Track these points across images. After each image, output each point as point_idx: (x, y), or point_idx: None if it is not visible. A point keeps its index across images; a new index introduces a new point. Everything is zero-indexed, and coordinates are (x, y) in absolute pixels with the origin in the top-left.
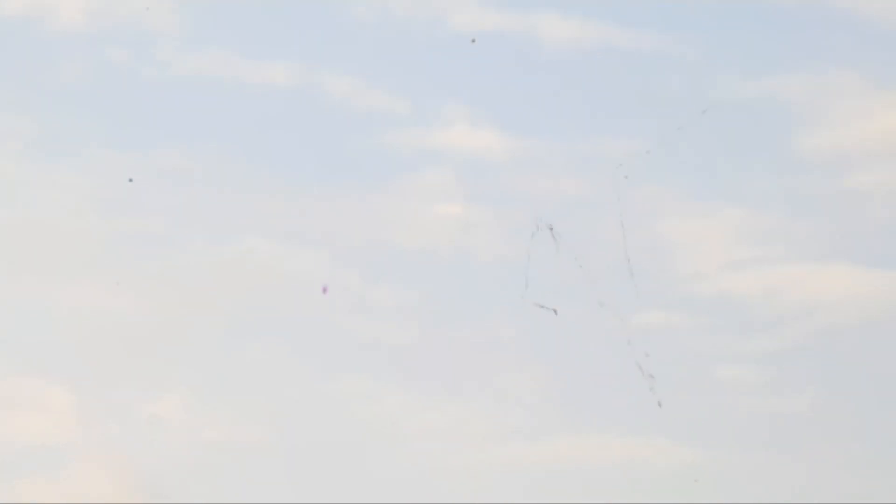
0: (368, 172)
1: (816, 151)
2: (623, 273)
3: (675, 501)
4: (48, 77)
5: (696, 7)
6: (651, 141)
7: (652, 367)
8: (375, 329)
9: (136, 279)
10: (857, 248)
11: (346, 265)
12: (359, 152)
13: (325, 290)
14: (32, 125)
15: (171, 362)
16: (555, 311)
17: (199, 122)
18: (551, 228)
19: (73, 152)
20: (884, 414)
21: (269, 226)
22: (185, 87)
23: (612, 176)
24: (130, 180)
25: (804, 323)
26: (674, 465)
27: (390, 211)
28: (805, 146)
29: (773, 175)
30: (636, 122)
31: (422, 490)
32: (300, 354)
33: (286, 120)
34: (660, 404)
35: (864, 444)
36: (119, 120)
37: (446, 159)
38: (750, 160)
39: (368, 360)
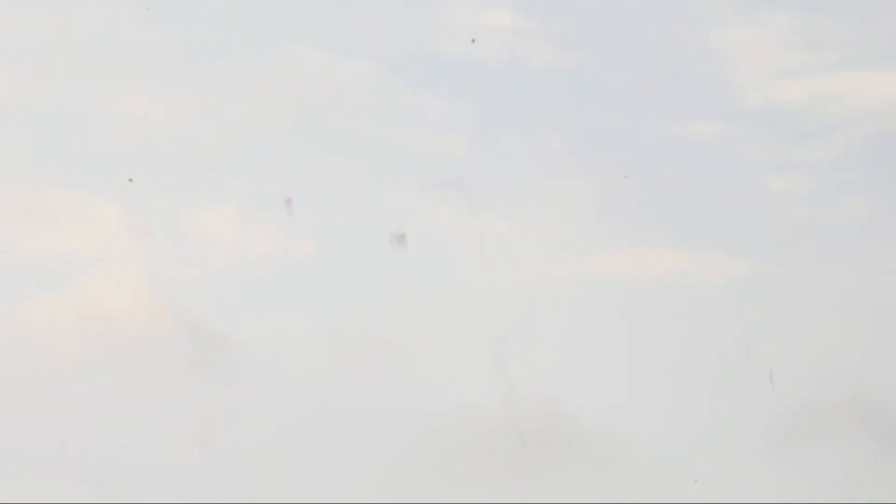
0: None
1: None
2: (673, 81)
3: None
4: None
5: None
6: None
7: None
8: (424, 140)
9: (182, 90)
10: None
11: (394, 74)
12: None
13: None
14: None
15: (219, 174)
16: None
17: None
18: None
19: None
20: None
21: (316, 34)
22: None
23: None
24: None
25: (856, 130)
26: (727, 277)
27: (438, 19)
28: None
29: None
30: None
31: (472, 309)
32: (349, 166)
33: None
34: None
35: None
36: None
37: None
38: None
39: (418, 171)
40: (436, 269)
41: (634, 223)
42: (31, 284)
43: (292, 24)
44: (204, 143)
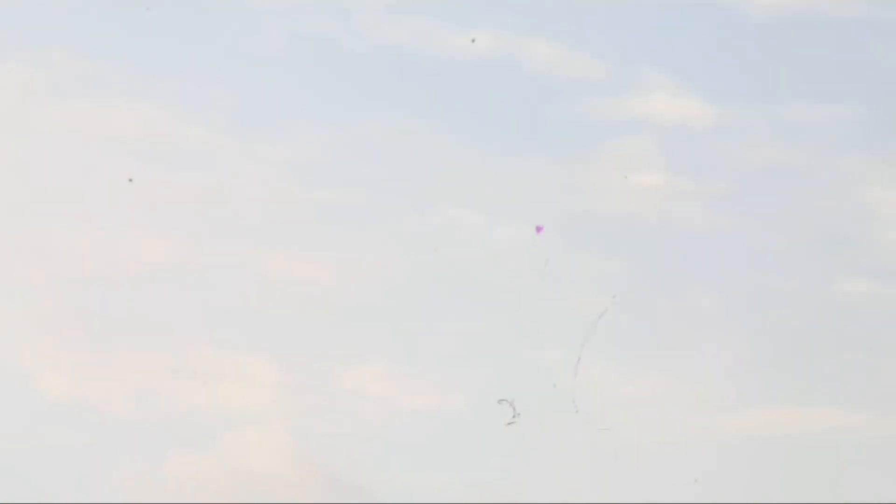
0: (569, 141)
1: None
2: (828, 242)
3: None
4: (248, 48)
5: None
6: (856, 108)
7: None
8: (577, 299)
9: (336, 250)
10: None
11: (547, 235)
12: (560, 121)
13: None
14: (232, 96)
15: (373, 333)
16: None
17: (400, 93)
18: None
19: (272, 124)
20: None
21: (470, 197)
22: (385, 58)
23: (817, 144)
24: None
25: None
26: (879, 437)
27: (592, 181)
28: None
29: None
30: (840, 89)
31: (620, 463)
32: (501, 325)
33: (487, 89)
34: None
35: None
36: (318, 91)
37: (648, 128)
38: None
39: (570, 330)
40: (582, 425)
41: (786, 382)
42: (177, 442)
43: (446, 187)
44: (356, 301)
